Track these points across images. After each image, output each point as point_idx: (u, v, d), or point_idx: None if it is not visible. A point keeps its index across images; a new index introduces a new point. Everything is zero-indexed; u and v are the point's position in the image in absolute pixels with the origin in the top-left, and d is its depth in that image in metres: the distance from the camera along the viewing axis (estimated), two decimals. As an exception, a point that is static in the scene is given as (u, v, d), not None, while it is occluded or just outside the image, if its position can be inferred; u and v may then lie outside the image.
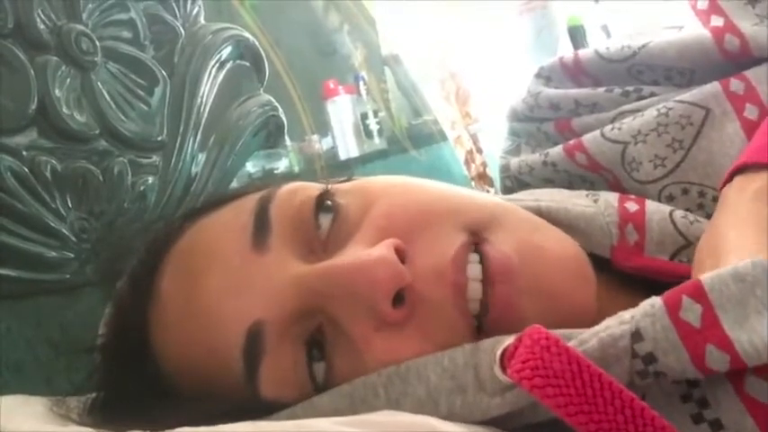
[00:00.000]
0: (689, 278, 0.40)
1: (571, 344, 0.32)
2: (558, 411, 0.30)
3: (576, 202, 0.47)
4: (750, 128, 0.47)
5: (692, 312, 0.31)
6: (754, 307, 0.30)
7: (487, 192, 1.17)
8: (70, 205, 0.57)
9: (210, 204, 0.46)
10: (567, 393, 0.30)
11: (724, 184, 0.42)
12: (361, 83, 1.12)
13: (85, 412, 0.42)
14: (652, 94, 0.52)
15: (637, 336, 0.32)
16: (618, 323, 0.33)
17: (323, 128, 1.02)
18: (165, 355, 0.41)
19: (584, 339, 0.33)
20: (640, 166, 0.49)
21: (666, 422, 0.29)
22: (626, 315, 0.33)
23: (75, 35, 0.59)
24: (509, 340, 0.34)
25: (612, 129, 0.51)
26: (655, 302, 0.32)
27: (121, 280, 0.48)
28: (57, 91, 0.57)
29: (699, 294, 0.31)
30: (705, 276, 0.32)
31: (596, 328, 0.33)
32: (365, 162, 1.06)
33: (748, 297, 0.31)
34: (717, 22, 0.51)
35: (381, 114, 1.13)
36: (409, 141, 1.16)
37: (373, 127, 1.10)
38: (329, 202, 0.41)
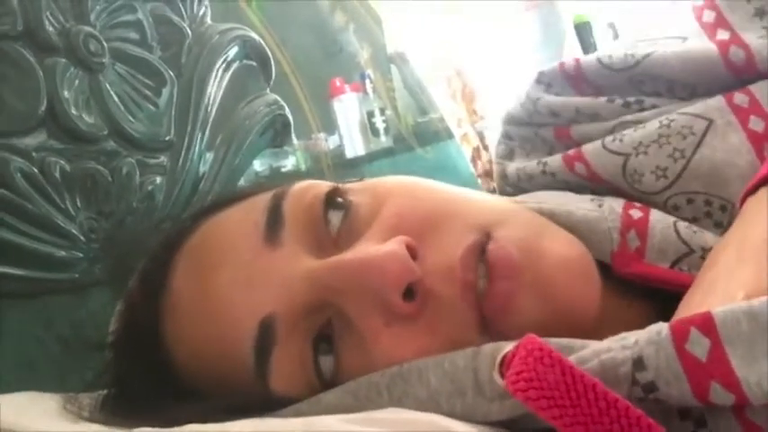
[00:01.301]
0: (688, 287, 0.39)
1: (571, 359, 0.32)
2: (554, 423, 0.30)
3: (579, 205, 0.47)
4: (756, 139, 0.46)
5: (699, 346, 0.30)
6: (763, 349, 0.29)
7: (494, 189, 1.17)
8: (79, 205, 0.57)
9: (222, 202, 0.47)
10: (562, 405, 0.30)
11: (746, 195, 0.41)
12: (368, 81, 1.12)
13: (97, 409, 0.42)
14: (653, 106, 0.52)
15: (639, 364, 0.31)
16: (620, 347, 0.32)
17: (329, 126, 1.03)
18: (176, 350, 0.42)
19: (584, 358, 0.32)
20: (642, 178, 0.49)
21: (663, 429, 0.29)
22: (630, 338, 0.32)
23: (83, 37, 0.60)
24: (509, 346, 0.34)
25: (614, 140, 0.51)
26: (661, 329, 0.31)
27: (133, 277, 0.48)
28: (65, 92, 0.58)
29: (708, 328, 0.30)
30: (717, 310, 0.31)
31: (597, 346, 0.33)
32: (372, 160, 1.07)
33: (759, 339, 0.29)
34: (723, 35, 0.50)
35: (388, 112, 1.13)
36: (416, 139, 1.16)
37: (380, 125, 1.10)
38: (340, 200, 0.42)
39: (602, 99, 0.54)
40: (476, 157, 1.43)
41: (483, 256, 0.39)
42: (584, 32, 1.59)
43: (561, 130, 0.56)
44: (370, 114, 1.10)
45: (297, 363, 0.39)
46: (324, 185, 0.43)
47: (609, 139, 0.51)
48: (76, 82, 0.59)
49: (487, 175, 1.36)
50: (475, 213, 0.41)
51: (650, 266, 0.44)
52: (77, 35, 0.59)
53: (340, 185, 0.43)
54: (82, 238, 0.57)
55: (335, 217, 0.41)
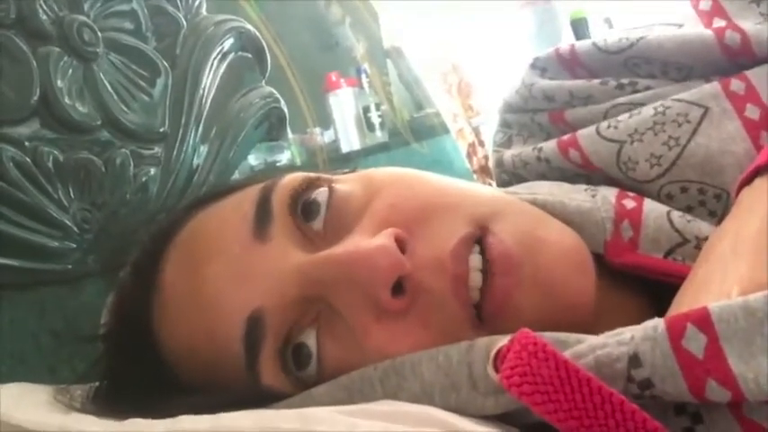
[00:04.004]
0: (683, 277, 0.39)
1: (566, 354, 0.32)
2: (548, 417, 0.30)
3: (573, 196, 0.47)
4: (753, 127, 0.46)
5: (695, 342, 0.30)
6: (760, 345, 0.29)
7: (489, 185, 1.17)
8: (72, 196, 0.57)
9: (213, 195, 0.47)
10: (557, 400, 0.30)
11: (742, 185, 0.40)
12: (363, 75, 1.12)
13: (89, 400, 0.42)
14: (647, 88, 0.52)
15: (635, 360, 0.31)
16: (616, 342, 0.31)
17: (325, 120, 1.03)
18: (167, 343, 0.42)
19: (579, 353, 0.32)
20: (636, 166, 0.48)
21: (658, 423, 0.29)
22: (625, 334, 0.32)
23: (77, 26, 0.59)
24: (503, 341, 0.33)
25: (609, 126, 0.50)
26: (657, 325, 0.31)
27: (124, 270, 0.48)
28: (59, 82, 0.57)
29: (705, 324, 0.30)
30: (714, 306, 0.30)
31: (593, 342, 0.32)
32: (367, 155, 1.06)
33: (756, 335, 0.29)
34: (719, 23, 0.50)
35: (383, 107, 1.13)
36: (411, 134, 1.16)
37: (375, 120, 1.10)
38: (307, 197, 0.41)
39: (596, 81, 0.54)
40: (471, 152, 1.43)
41: (480, 248, 0.39)
42: (580, 28, 1.60)
43: (556, 114, 0.56)
44: (366, 109, 1.09)
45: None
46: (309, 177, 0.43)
47: (604, 125, 0.51)
48: (70, 71, 0.58)
49: (483, 170, 1.36)
50: (469, 205, 0.41)
51: (644, 257, 0.44)
52: (71, 24, 0.59)
53: (323, 175, 0.43)
54: (75, 228, 0.56)
55: (316, 207, 0.41)
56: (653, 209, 0.45)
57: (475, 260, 0.38)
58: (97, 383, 0.45)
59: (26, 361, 0.52)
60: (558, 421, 0.30)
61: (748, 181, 0.40)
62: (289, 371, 0.39)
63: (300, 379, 0.39)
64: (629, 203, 0.46)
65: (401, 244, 0.38)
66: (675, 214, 0.45)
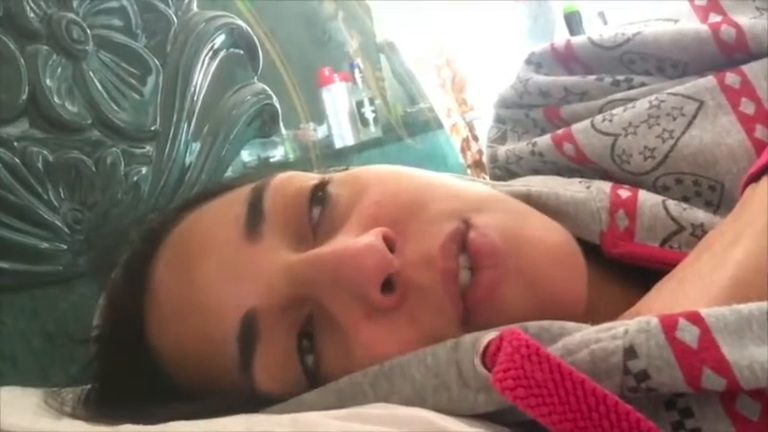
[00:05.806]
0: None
1: (559, 353, 0.32)
2: (543, 420, 0.30)
3: (567, 187, 0.47)
4: (747, 121, 0.46)
5: (688, 333, 0.30)
6: (751, 338, 0.30)
7: (483, 179, 1.16)
8: (63, 196, 0.56)
9: (204, 195, 0.46)
10: (551, 402, 0.30)
11: (747, 182, 0.40)
12: (357, 70, 1.11)
13: (80, 404, 0.42)
14: (642, 84, 0.52)
15: (630, 352, 0.31)
16: (610, 337, 0.32)
17: (318, 116, 1.02)
18: (159, 345, 0.41)
19: (572, 348, 0.32)
20: (630, 158, 0.49)
21: (652, 424, 0.29)
22: (618, 329, 0.32)
23: (65, 23, 0.59)
24: (491, 335, 0.33)
25: (603, 120, 0.50)
26: (650, 320, 0.32)
27: (115, 270, 0.47)
28: (48, 80, 0.56)
29: (696, 319, 0.31)
30: (702, 309, 0.31)
31: (585, 336, 0.32)
32: (361, 150, 1.06)
33: (745, 327, 0.30)
34: (714, 18, 0.51)
35: (377, 102, 1.12)
36: (405, 129, 1.15)
37: (369, 115, 1.10)
38: (321, 194, 0.41)
39: (591, 78, 0.54)
40: (465, 147, 1.42)
41: (464, 244, 0.38)
42: (573, 21, 1.59)
43: (551, 110, 0.56)
44: (359, 104, 1.09)
45: (281, 358, 0.38)
46: (306, 177, 0.43)
47: (598, 118, 0.51)
48: (59, 70, 0.58)
49: (477, 165, 1.36)
50: (454, 199, 0.41)
51: (640, 246, 0.44)
52: (60, 22, 0.58)
53: (324, 177, 0.43)
54: (66, 229, 0.56)
55: (317, 210, 0.41)
56: (648, 198, 0.46)
57: (464, 259, 0.38)
58: (89, 386, 0.44)
59: (18, 363, 0.52)
60: (552, 424, 0.30)
61: (755, 178, 0.40)
62: (305, 366, 0.38)
63: (305, 367, 0.38)
64: (624, 193, 0.46)
65: (389, 242, 0.38)
66: (671, 203, 0.45)
